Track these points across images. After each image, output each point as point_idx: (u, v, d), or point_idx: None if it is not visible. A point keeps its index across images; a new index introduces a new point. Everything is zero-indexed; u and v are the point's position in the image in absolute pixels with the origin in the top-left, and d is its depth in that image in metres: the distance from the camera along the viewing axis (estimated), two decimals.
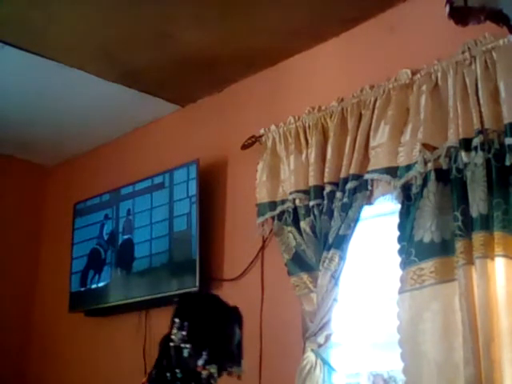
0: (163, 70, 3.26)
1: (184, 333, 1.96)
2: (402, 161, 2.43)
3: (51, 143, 4.14)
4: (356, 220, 2.56)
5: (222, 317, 2.06)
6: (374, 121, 2.57)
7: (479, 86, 2.24)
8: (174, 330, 1.97)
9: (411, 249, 2.34)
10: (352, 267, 2.64)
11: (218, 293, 3.12)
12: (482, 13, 1.57)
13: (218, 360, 1.97)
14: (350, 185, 2.57)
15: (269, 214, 2.91)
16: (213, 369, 1.95)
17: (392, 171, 2.45)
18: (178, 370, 1.95)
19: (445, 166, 2.29)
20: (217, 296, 2.18)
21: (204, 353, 1.94)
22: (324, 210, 2.66)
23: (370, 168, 2.54)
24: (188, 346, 1.94)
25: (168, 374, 1.95)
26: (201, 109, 3.57)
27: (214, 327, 2.02)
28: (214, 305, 2.11)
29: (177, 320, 1.99)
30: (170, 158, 3.52)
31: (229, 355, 2.01)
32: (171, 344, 1.97)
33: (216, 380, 1.96)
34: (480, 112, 2.21)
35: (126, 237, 3.62)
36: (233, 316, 2.08)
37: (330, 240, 2.59)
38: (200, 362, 1.94)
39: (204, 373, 1.94)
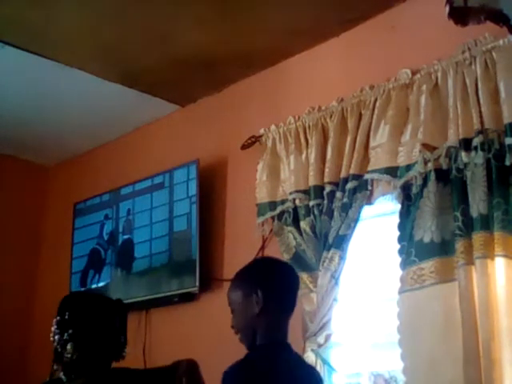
0: (163, 70, 3.26)
1: (55, 326, 1.99)
2: (402, 161, 2.43)
3: (51, 143, 4.14)
4: (356, 220, 2.56)
5: (96, 305, 2.05)
6: (374, 121, 2.57)
7: (479, 85, 2.24)
8: (52, 330, 1.99)
9: (411, 249, 2.33)
10: (352, 267, 2.64)
11: (218, 293, 3.15)
12: (481, 13, 1.58)
13: (86, 338, 1.96)
14: (349, 185, 2.57)
15: (269, 214, 2.91)
16: (66, 338, 1.95)
17: (392, 171, 2.45)
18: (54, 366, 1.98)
19: (445, 166, 2.29)
20: (98, 293, 2.17)
21: (65, 334, 1.95)
22: (324, 210, 2.66)
23: (370, 168, 2.54)
24: (57, 337, 1.97)
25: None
26: (201, 109, 3.56)
27: (80, 312, 2.01)
28: (86, 297, 2.15)
29: (53, 321, 2.00)
30: (170, 158, 3.52)
31: (110, 339, 2.01)
32: (54, 344, 1.99)
33: (71, 353, 1.95)
34: (480, 112, 2.21)
35: (125, 237, 3.62)
36: (111, 305, 2.08)
37: (330, 240, 2.59)
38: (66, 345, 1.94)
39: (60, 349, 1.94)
